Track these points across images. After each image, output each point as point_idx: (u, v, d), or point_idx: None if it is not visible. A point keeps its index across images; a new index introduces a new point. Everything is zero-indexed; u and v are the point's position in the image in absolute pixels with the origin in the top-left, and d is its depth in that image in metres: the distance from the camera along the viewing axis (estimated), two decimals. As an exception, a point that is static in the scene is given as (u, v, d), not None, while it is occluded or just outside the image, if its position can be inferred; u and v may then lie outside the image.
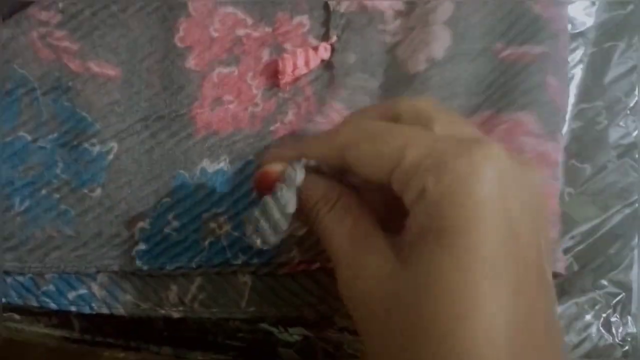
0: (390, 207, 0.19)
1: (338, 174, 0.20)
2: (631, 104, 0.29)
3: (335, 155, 0.19)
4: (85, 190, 0.25)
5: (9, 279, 0.25)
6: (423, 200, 0.16)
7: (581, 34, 0.29)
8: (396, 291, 0.17)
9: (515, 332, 0.15)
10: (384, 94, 0.26)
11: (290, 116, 0.26)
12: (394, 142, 0.18)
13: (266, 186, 0.20)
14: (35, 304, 0.25)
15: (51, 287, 0.25)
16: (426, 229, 0.16)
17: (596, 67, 0.29)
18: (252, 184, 0.23)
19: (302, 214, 0.20)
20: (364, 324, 0.18)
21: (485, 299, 0.15)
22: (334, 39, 0.26)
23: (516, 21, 0.26)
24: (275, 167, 0.20)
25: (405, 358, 0.16)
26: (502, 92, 0.25)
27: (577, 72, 0.28)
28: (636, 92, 0.29)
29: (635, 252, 0.27)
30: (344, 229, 0.19)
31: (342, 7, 0.26)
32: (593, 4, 0.29)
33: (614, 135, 0.28)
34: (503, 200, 0.16)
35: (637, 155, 0.28)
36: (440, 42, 0.25)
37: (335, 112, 0.26)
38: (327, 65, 0.26)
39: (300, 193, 0.20)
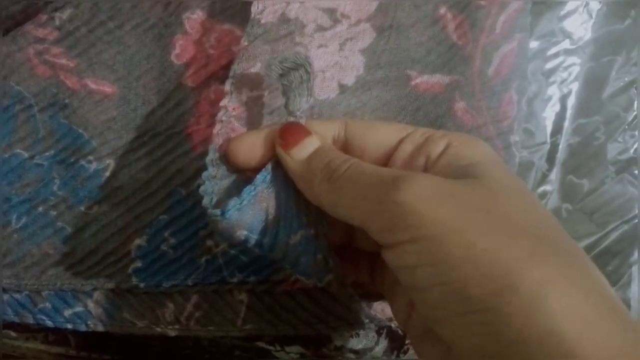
0: None
1: None
2: (629, 119, 0.29)
3: (333, 129, 0.21)
4: (82, 208, 0.25)
5: (5, 296, 0.25)
6: (453, 148, 0.19)
7: (578, 49, 0.29)
8: (485, 197, 0.17)
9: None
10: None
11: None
12: (397, 124, 0.21)
13: (290, 140, 0.20)
14: (31, 321, 0.25)
15: (47, 305, 0.25)
16: (469, 161, 0.18)
17: (594, 81, 0.29)
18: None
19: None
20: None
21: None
22: (243, 44, 0.24)
23: (433, 49, 0.26)
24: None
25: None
26: (410, 120, 0.26)
27: (574, 87, 0.28)
28: (634, 107, 0.29)
29: (634, 269, 0.27)
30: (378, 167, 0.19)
31: (263, 17, 0.25)
32: (590, 17, 0.29)
33: (612, 150, 0.28)
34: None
35: (635, 171, 0.28)
36: (354, 71, 0.25)
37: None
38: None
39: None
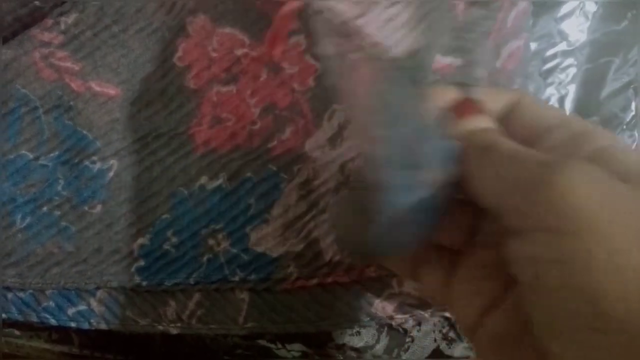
0: None
1: None
2: (627, 119, 0.29)
3: (503, 102, 0.20)
4: (86, 207, 0.25)
5: (9, 295, 0.26)
6: (613, 150, 0.17)
7: (575, 51, 0.29)
8: None
9: None
10: None
11: (287, 134, 0.26)
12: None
13: (462, 112, 0.20)
14: (35, 319, 0.26)
15: (51, 303, 0.25)
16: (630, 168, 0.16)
17: (592, 83, 0.29)
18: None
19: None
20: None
21: None
22: None
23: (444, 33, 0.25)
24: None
25: None
26: None
27: (572, 89, 0.29)
28: (632, 107, 0.29)
29: None
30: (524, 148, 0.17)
31: None
32: (587, 19, 0.30)
33: (610, 150, 0.28)
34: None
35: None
36: None
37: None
38: (321, 82, 0.27)
39: None
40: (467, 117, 0.19)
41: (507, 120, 0.20)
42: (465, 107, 0.20)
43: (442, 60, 0.25)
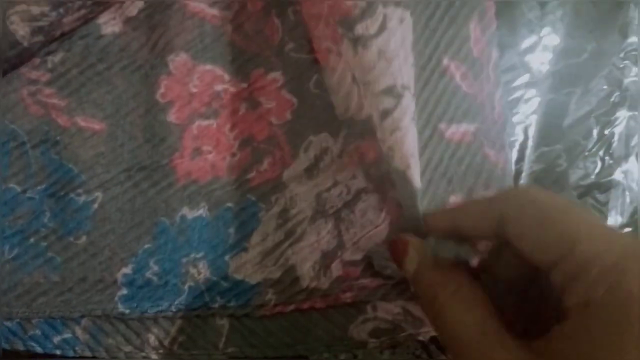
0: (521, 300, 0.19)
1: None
2: (589, 147, 0.30)
3: (491, 226, 0.19)
4: (71, 238, 0.26)
5: (-4, 325, 0.26)
6: (587, 311, 0.16)
7: (538, 82, 0.31)
8: None
9: None
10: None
11: (265, 165, 0.28)
12: (563, 228, 0.17)
13: (396, 251, 0.23)
14: (22, 347, 0.26)
15: (37, 332, 0.26)
16: (583, 349, 0.16)
17: (555, 112, 0.31)
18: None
19: (419, 288, 0.21)
20: None
21: None
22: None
23: (451, 101, 0.27)
24: (408, 238, 0.22)
25: None
26: (460, 175, 0.27)
27: (534, 118, 0.30)
28: (594, 135, 0.31)
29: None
30: (473, 319, 0.19)
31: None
32: (549, 53, 0.31)
33: (574, 176, 0.30)
34: None
35: (597, 195, 0.30)
36: None
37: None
38: (297, 116, 0.28)
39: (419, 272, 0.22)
40: (399, 261, 0.22)
41: (506, 231, 0.19)
42: (394, 250, 0.23)
43: (459, 128, 0.27)
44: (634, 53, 0.32)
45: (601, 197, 0.30)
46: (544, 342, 0.17)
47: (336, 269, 0.27)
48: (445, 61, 0.27)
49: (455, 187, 0.27)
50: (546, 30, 0.31)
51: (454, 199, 0.26)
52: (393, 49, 0.24)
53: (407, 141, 0.24)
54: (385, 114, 0.24)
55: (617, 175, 0.30)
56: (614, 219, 0.30)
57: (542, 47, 0.31)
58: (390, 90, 0.24)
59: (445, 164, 0.27)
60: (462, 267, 0.21)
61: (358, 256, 0.27)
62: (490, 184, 0.27)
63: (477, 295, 0.19)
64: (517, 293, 0.21)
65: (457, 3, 0.28)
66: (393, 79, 0.24)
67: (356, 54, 0.24)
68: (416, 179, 0.24)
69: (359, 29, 0.24)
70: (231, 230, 0.27)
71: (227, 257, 0.27)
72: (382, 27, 0.24)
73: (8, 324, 0.26)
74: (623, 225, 0.30)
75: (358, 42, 0.24)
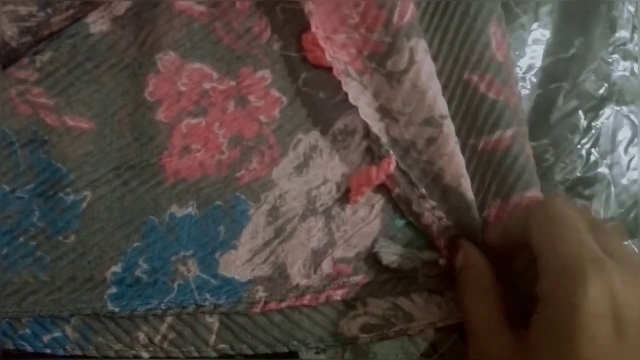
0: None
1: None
2: (576, 142, 0.31)
3: (520, 223, 0.24)
4: (60, 237, 0.26)
5: (-14, 325, 0.26)
6: (540, 312, 0.21)
7: (525, 77, 0.31)
8: None
9: None
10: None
11: (254, 163, 0.28)
12: (555, 233, 0.21)
13: (450, 249, 0.27)
14: (12, 347, 0.26)
15: (27, 331, 0.26)
16: (545, 337, 0.20)
17: (542, 107, 0.31)
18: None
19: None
20: None
21: None
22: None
23: (477, 115, 0.28)
24: (462, 240, 0.26)
25: None
26: (498, 180, 0.27)
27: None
28: (581, 130, 0.31)
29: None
30: (486, 306, 0.24)
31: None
32: (537, 47, 0.31)
33: (560, 171, 0.30)
34: (612, 317, 0.19)
35: (584, 191, 0.30)
36: None
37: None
38: (287, 114, 0.28)
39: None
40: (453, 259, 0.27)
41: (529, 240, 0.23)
42: (450, 248, 0.27)
43: (491, 138, 0.27)
44: (622, 47, 0.32)
45: (586, 191, 0.30)
46: (527, 331, 0.21)
47: (327, 267, 0.27)
48: (465, 75, 0.28)
49: (494, 193, 0.27)
50: (534, 25, 0.31)
51: (495, 204, 0.27)
52: (424, 81, 0.26)
53: (454, 162, 0.27)
54: (430, 141, 0.27)
55: (603, 169, 0.30)
56: (598, 213, 0.30)
57: (531, 42, 0.31)
58: (429, 122, 0.27)
59: (480, 173, 0.28)
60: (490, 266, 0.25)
61: (349, 253, 0.27)
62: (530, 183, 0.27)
63: (494, 283, 0.24)
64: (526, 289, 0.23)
65: (471, 10, 0.28)
66: (430, 110, 0.26)
67: (392, 87, 0.27)
68: (469, 194, 0.27)
69: (389, 65, 0.26)
70: (221, 228, 0.27)
71: (216, 255, 0.27)
72: (411, 61, 0.26)
73: (-2, 323, 0.26)
74: (607, 220, 0.30)
75: (392, 77, 0.26)
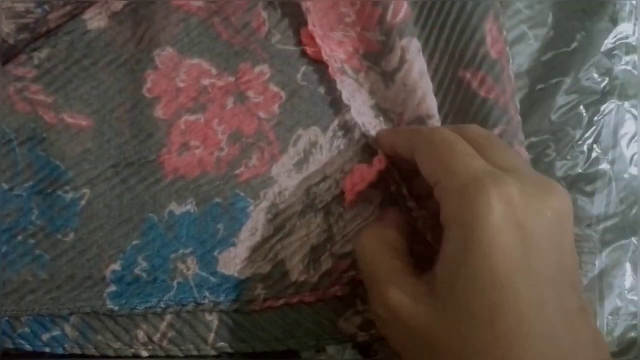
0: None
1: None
2: (577, 137, 0.30)
3: (408, 151, 0.23)
4: (59, 236, 0.26)
5: (-15, 323, 0.26)
6: (445, 234, 0.20)
7: (528, 72, 0.31)
8: (429, 319, 0.20)
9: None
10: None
11: (254, 160, 0.27)
12: (446, 160, 0.21)
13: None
14: (11, 346, 0.26)
15: (26, 330, 0.26)
16: (453, 263, 0.20)
17: (544, 102, 0.31)
18: None
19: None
20: (395, 343, 0.22)
21: (507, 320, 0.18)
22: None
23: (468, 111, 0.28)
24: None
25: None
26: None
27: (524, 108, 0.30)
28: (583, 126, 0.30)
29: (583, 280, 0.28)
30: (384, 249, 0.23)
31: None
32: (538, 42, 0.31)
33: (562, 167, 0.30)
34: (516, 227, 0.19)
35: (586, 188, 0.30)
36: None
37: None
38: (287, 110, 0.28)
39: None
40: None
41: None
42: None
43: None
44: (624, 41, 0.31)
45: (588, 187, 0.30)
46: (433, 270, 0.21)
47: (326, 263, 0.27)
48: (460, 73, 0.28)
49: None
50: (536, 19, 0.31)
51: None
52: (415, 80, 0.26)
53: None
54: None
55: (605, 165, 0.30)
56: (599, 209, 0.30)
57: (532, 37, 0.31)
58: (418, 121, 0.27)
59: None
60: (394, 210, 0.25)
61: (348, 249, 0.27)
62: None
63: (393, 236, 0.24)
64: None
65: (469, 6, 0.28)
66: (419, 110, 0.27)
67: (387, 87, 0.27)
68: None
69: (384, 64, 0.27)
70: (220, 225, 0.27)
71: (216, 253, 0.27)
72: (402, 60, 0.26)
73: (-3, 322, 0.26)
74: (608, 216, 0.30)
75: (385, 76, 0.27)
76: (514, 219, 0.19)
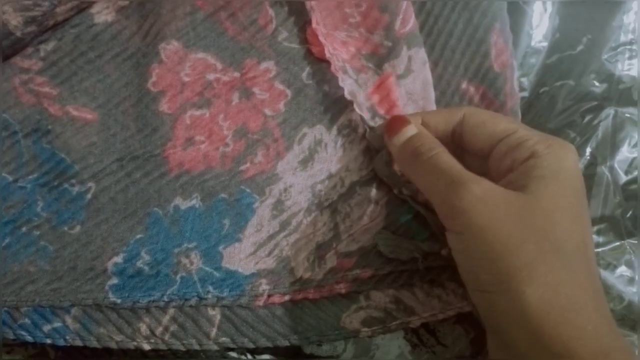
0: None
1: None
2: (577, 140, 0.31)
3: (451, 121, 0.25)
4: (66, 228, 0.26)
5: (-15, 313, 0.26)
6: (535, 158, 0.23)
7: (531, 74, 0.31)
8: (520, 210, 0.22)
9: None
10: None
11: (259, 157, 0.28)
12: (506, 122, 0.24)
13: (394, 123, 0.26)
14: (12, 336, 0.26)
15: (27, 320, 0.26)
16: (539, 173, 0.22)
17: (545, 104, 0.31)
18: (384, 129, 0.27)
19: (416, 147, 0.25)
20: (486, 232, 0.22)
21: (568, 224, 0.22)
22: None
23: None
24: (408, 117, 0.26)
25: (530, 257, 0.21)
26: None
27: (525, 109, 0.30)
28: (582, 128, 0.31)
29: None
30: (459, 164, 0.23)
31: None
32: (543, 47, 0.31)
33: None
34: (579, 173, 0.23)
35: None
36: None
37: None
38: (292, 108, 0.28)
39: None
40: (398, 132, 0.26)
41: (459, 135, 0.25)
42: (392, 124, 0.26)
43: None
44: (628, 47, 0.32)
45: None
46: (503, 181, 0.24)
47: (330, 260, 0.27)
48: (464, 85, 0.28)
49: None
50: (542, 21, 0.31)
51: None
52: (419, 91, 0.27)
53: None
54: None
55: (602, 169, 0.31)
56: (595, 212, 0.30)
57: (539, 39, 0.31)
58: None
59: None
60: None
61: (353, 247, 0.27)
62: None
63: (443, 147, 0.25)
64: None
65: (475, 18, 0.28)
66: None
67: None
68: None
69: (387, 67, 0.27)
70: (225, 221, 0.27)
71: (220, 248, 0.27)
72: (408, 69, 0.27)
73: (-3, 312, 0.26)
74: (604, 218, 0.30)
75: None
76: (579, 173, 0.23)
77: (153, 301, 0.26)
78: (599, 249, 0.31)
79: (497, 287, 0.21)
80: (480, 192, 0.22)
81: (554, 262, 0.21)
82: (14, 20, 0.27)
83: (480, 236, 0.22)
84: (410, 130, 0.25)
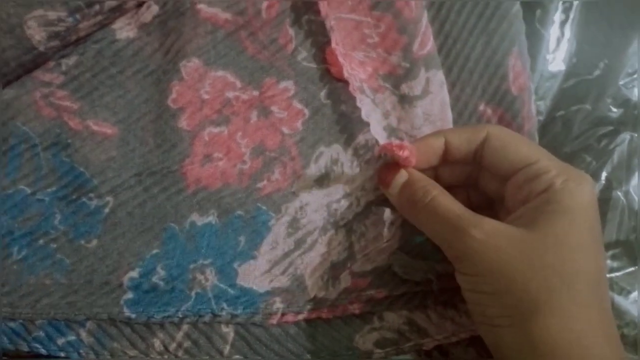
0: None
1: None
2: (592, 164, 0.31)
3: (474, 140, 0.25)
4: (82, 241, 0.26)
5: None
6: (549, 192, 0.23)
7: (547, 98, 0.31)
8: (526, 247, 0.22)
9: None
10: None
11: (276, 174, 0.28)
12: (528, 149, 0.24)
13: (386, 173, 0.26)
14: (26, 349, 0.26)
15: (41, 333, 0.26)
16: (551, 208, 0.22)
17: (561, 128, 0.31)
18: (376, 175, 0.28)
19: (410, 193, 0.25)
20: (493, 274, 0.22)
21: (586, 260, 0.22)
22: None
23: None
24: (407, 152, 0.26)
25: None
26: None
27: (542, 133, 0.30)
28: (598, 153, 0.31)
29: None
30: (457, 204, 0.24)
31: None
32: (560, 71, 0.32)
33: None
34: (594, 208, 0.23)
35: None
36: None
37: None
38: (310, 126, 0.28)
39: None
40: (388, 184, 0.26)
41: (481, 155, 0.25)
42: (382, 177, 0.26)
43: None
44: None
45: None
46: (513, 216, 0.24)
47: (345, 280, 0.27)
48: (481, 107, 0.28)
49: None
50: (559, 46, 0.31)
51: None
52: (436, 112, 0.27)
53: None
54: None
55: (617, 193, 0.31)
56: (610, 237, 0.30)
57: (555, 63, 0.31)
58: None
59: None
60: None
61: (367, 267, 0.27)
62: None
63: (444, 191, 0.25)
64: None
65: (494, 41, 0.28)
66: None
67: (402, 109, 0.27)
68: None
69: (404, 88, 0.27)
70: (241, 238, 0.27)
71: (235, 265, 0.27)
72: (426, 91, 0.27)
73: (12, 324, 0.26)
74: (618, 243, 0.30)
75: (404, 99, 0.27)
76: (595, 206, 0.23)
77: (167, 317, 0.26)
78: (613, 274, 0.31)
79: (503, 321, 0.22)
80: (482, 236, 0.22)
81: (564, 298, 0.21)
82: (38, 35, 0.28)
83: (486, 277, 0.22)
84: (402, 177, 0.26)
